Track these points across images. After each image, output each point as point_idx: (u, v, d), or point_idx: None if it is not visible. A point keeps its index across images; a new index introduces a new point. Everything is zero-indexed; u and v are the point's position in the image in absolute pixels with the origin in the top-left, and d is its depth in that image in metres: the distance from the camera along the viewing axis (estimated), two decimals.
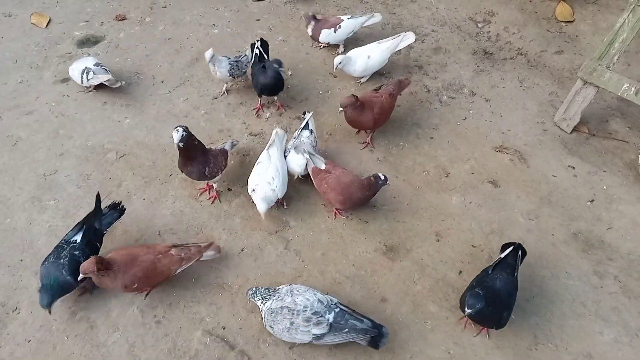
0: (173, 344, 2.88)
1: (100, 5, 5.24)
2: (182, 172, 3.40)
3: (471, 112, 4.16)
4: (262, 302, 2.76)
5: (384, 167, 3.75)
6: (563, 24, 4.90)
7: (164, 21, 5.02)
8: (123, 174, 3.72)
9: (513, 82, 4.40)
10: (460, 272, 3.19)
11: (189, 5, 5.16)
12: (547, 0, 5.05)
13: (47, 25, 5.03)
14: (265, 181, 3.29)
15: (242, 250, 3.29)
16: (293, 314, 2.65)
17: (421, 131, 4.00)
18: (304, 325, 2.63)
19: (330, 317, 2.66)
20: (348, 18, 4.44)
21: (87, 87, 4.27)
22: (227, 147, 3.60)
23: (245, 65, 4.14)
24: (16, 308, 3.05)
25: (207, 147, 3.44)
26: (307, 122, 3.67)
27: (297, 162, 3.48)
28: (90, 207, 3.48)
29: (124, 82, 4.26)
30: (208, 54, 3.95)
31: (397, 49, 4.26)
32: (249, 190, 3.33)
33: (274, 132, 3.63)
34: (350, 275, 3.18)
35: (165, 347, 2.86)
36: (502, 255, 2.93)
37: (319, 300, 2.70)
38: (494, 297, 2.66)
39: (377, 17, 4.51)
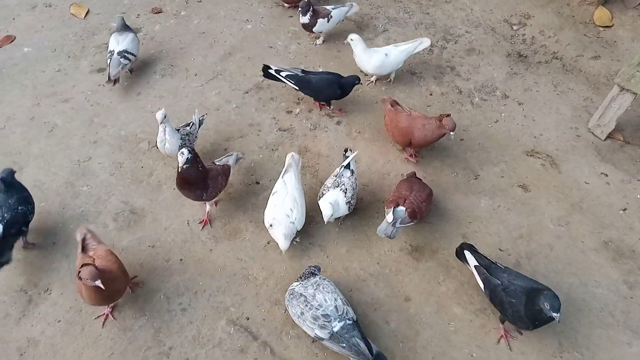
0: (197, 331, 2.92)
1: None
2: (178, 190, 3.27)
3: (503, 115, 4.11)
4: (297, 280, 2.85)
5: (412, 168, 3.74)
6: (601, 28, 4.80)
7: (198, 15, 5.09)
8: (154, 164, 3.79)
9: (547, 86, 4.33)
10: None
11: (223, 1, 5.23)
12: (585, 5, 4.94)
13: (85, 16, 5.16)
14: (283, 214, 3.09)
15: (268, 243, 3.32)
16: (307, 305, 2.68)
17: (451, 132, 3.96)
18: (310, 321, 2.65)
19: (337, 326, 2.61)
20: (333, 8, 4.55)
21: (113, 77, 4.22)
22: (231, 161, 3.48)
23: (195, 137, 3.71)
24: (47, 289, 3.14)
25: (209, 164, 3.30)
26: (349, 162, 3.34)
27: (334, 202, 3.15)
28: (123, 193, 3.58)
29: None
30: (160, 114, 3.43)
31: (414, 52, 4.22)
32: (266, 224, 3.14)
33: (289, 156, 3.41)
34: (374, 273, 3.18)
35: (190, 334, 2.91)
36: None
37: (336, 306, 2.67)
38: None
39: (355, 7, 4.67)
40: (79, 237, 2.99)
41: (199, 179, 3.15)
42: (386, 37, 4.74)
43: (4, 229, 3.06)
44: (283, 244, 3.04)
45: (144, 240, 3.35)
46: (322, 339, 2.65)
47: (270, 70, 3.98)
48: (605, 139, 3.90)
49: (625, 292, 3.06)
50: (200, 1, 5.24)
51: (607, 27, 4.81)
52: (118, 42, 4.25)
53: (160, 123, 3.46)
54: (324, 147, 3.89)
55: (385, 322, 2.95)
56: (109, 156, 3.85)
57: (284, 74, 3.95)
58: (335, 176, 3.30)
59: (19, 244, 3.23)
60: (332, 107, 4.15)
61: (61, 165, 3.82)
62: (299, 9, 4.50)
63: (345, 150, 3.48)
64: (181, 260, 3.24)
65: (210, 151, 3.87)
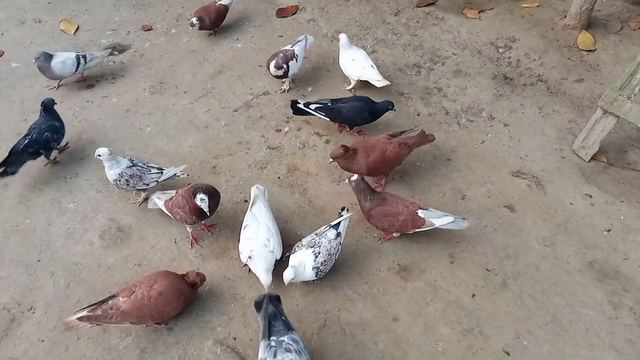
0: (184, 351, 2.89)
1: (127, 15, 5.37)
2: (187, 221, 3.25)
3: (489, 135, 4.17)
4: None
5: (400, 185, 3.77)
6: (584, 52, 4.91)
7: (188, 33, 5.12)
8: None
9: (532, 108, 4.41)
10: (474, 295, 3.17)
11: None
12: (569, 29, 5.07)
13: (75, 32, 5.17)
14: (260, 244, 3.03)
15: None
16: None
17: (438, 152, 4.01)
18: None
19: None
20: (292, 46, 4.39)
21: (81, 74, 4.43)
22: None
23: (145, 184, 3.50)
24: (32, 307, 3.09)
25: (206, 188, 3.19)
26: (340, 222, 3.17)
27: (297, 264, 2.97)
28: (110, 210, 3.55)
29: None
30: (100, 151, 3.38)
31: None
32: (244, 259, 3.06)
33: (254, 188, 3.35)
34: (362, 293, 3.18)
35: (176, 355, 2.87)
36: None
37: None
38: None
39: (310, 39, 4.56)
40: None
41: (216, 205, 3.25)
42: (375, 59, 4.79)
43: (24, 145, 3.61)
44: (265, 278, 2.97)
45: (131, 259, 3.32)
46: None
47: (298, 105, 3.99)
48: (589, 161, 3.97)
49: (610, 313, 3.09)
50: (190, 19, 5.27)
51: (590, 51, 4.92)
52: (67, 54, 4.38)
53: (105, 159, 3.39)
54: (312, 166, 3.91)
55: (373, 343, 2.94)
56: (97, 173, 3.82)
57: (313, 106, 3.95)
58: (317, 234, 3.10)
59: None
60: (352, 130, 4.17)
61: (47, 181, 3.79)
62: (275, 63, 4.21)
63: (342, 209, 3.32)
64: None
65: (199, 169, 3.87)
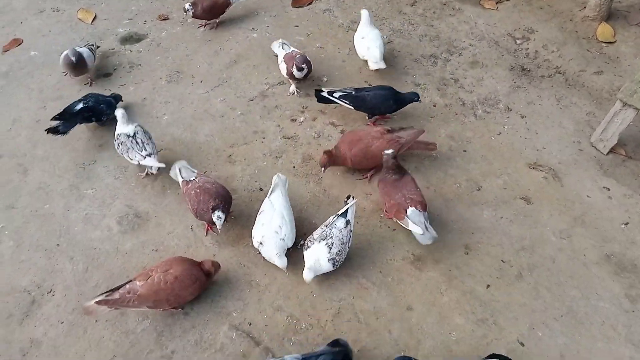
0: (200, 336, 2.93)
1: (144, 4, 5.39)
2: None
3: (506, 127, 4.14)
4: None
5: (416, 176, 3.73)
6: (604, 44, 4.84)
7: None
8: (159, 168, 3.80)
9: (550, 100, 4.37)
10: (488, 286, 3.16)
11: (230, 8, 5.26)
12: (589, 20, 5.00)
13: (92, 21, 5.20)
14: (272, 231, 3.09)
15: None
16: None
17: (454, 144, 4.00)
18: None
19: None
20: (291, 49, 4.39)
21: None
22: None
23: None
24: (51, 290, 3.15)
25: (221, 203, 3.21)
26: (347, 210, 3.17)
27: (314, 264, 3.00)
28: (127, 197, 3.60)
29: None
30: (119, 112, 3.71)
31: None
32: (255, 244, 3.14)
33: (275, 177, 3.37)
34: (376, 282, 3.19)
35: (192, 339, 2.91)
36: None
37: None
38: None
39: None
40: None
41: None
42: (391, 49, 4.77)
43: (82, 108, 3.85)
44: (280, 262, 3.04)
45: (148, 244, 3.36)
46: None
47: (322, 93, 4.01)
48: (607, 154, 3.93)
49: (627, 306, 3.07)
50: None
51: (610, 42, 4.86)
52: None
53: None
54: None
55: (387, 331, 2.96)
56: (114, 160, 3.86)
57: (337, 94, 3.97)
58: (326, 226, 3.11)
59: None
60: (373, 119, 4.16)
61: (66, 168, 3.84)
62: (297, 65, 4.09)
63: (348, 197, 3.31)
64: None
65: (215, 157, 3.90)
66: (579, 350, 2.89)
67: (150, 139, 3.68)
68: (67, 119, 3.83)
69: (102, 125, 4.11)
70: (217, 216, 3.09)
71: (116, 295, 2.80)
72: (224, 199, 3.20)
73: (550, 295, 3.11)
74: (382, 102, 3.92)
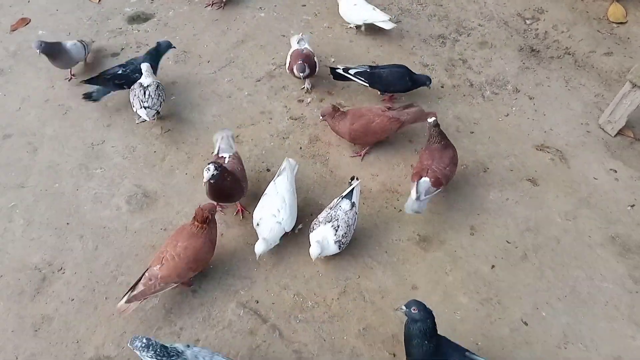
0: (208, 313, 2.98)
1: None
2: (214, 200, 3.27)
3: (514, 109, 4.12)
4: None
5: None
6: (615, 25, 4.78)
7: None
8: (167, 149, 3.84)
9: (559, 82, 4.34)
10: (493, 266, 3.19)
11: None
12: (600, 0, 4.93)
13: (99, 1, 5.17)
14: (270, 214, 3.09)
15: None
16: None
17: (462, 125, 3.99)
18: None
19: None
20: (300, 46, 4.15)
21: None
22: (232, 145, 3.45)
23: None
24: (61, 268, 3.20)
25: (222, 161, 3.28)
26: (352, 191, 3.16)
27: (321, 239, 2.98)
28: (135, 177, 3.63)
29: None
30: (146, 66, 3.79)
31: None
32: (254, 224, 3.15)
33: (285, 161, 3.38)
34: (382, 262, 3.23)
35: (201, 316, 2.97)
36: None
37: None
38: None
39: (307, 37, 4.29)
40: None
41: (232, 189, 3.18)
42: (399, 29, 4.74)
43: (115, 74, 3.92)
44: (259, 246, 2.99)
45: (156, 223, 3.41)
46: None
47: (338, 71, 4.01)
48: (615, 136, 3.91)
49: (631, 287, 3.10)
50: None
51: (621, 23, 4.79)
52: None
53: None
54: (334, 137, 3.91)
55: (392, 310, 3.00)
56: (122, 140, 3.90)
57: (352, 71, 3.97)
58: (331, 208, 3.11)
59: None
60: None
61: (75, 147, 3.88)
62: (298, 68, 3.90)
63: (352, 179, 3.30)
64: None
65: None
66: (582, 330, 2.92)
67: (160, 97, 3.78)
68: (101, 84, 3.94)
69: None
70: (207, 168, 2.96)
71: (140, 287, 2.82)
72: (223, 165, 3.13)
73: (554, 276, 3.14)
74: (398, 79, 3.91)
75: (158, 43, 4.16)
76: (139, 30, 4.83)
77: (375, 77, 3.93)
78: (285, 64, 4.19)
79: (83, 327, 2.94)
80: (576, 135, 3.94)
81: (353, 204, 3.11)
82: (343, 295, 3.07)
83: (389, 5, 5.02)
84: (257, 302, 3.03)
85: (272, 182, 3.31)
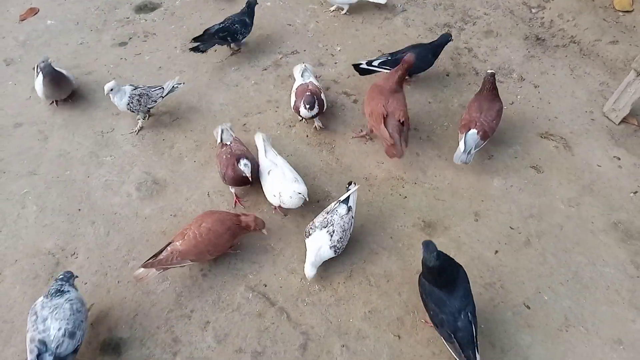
0: (217, 296, 3.06)
1: None
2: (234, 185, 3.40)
3: (519, 97, 4.15)
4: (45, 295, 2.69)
5: (427, 145, 3.81)
6: (621, 13, 4.79)
7: None
8: (176, 136, 3.90)
9: (564, 70, 4.36)
10: (497, 251, 3.25)
11: None
12: None
13: None
14: (290, 181, 3.24)
15: (285, 216, 3.43)
16: (33, 325, 2.61)
17: None
18: (28, 340, 2.60)
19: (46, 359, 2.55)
20: (304, 80, 3.92)
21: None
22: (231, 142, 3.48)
23: (154, 101, 3.83)
24: (74, 253, 3.28)
25: (252, 157, 3.38)
26: (349, 197, 3.16)
27: (319, 247, 3.00)
28: (145, 164, 3.70)
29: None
30: (107, 86, 3.70)
31: None
32: (272, 199, 3.30)
33: (258, 136, 3.54)
34: (387, 247, 3.29)
35: (210, 299, 3.04)
36: None
37: (53, 336, 2.56)
38: None
39: (310, 67, 4.07)
40: None
41: (254, 175, 3.35)
42: (405, 17, 4.77)
43: (217, 29, 4.21)
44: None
45: (166, 210, 3.47)
46: None
47: (361, 66, 4.05)
48: (619, 124, 3.94)
49: (632, 272, 3.14)
50: None
51: (627, 12, 4.80)
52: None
53: (107, 94, 3.73)
54: (340, 125, 3.97)
55: (397, 293, 3.07)
56: (132, 128, 3.95)
57: (376, 63, 4.01)
58: (327, 213, 3.11)
59: None
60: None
61: (85, 135, 3.94)
62: (306, 105, 3.65)
63: (349, 184, 3.31)
64: None
65: None
66: (583, 314, 2.98)
67: (141, 104, 3.78)
68: (206, 40, 4.22)
69: (238, 46, 4.53)
70: (244, 164, 3.20)
71: (160, 256, 2.94)
72: (251, 160, 3.31)
73: (557, 261, 3.19)
74: (421, 58, 3.94)
75: (248, 1, 4.40)
76: (146, 20, 4.88)
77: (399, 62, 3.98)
78: (293, 44, 4.23)
79: (96, 310, 3.01)
80: (580, 123, 3.97)
81: (349, 209, 3.12)
82: (349, 279, 3.13)
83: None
84: (266, 286, 3.10)
85: (263, 158, 3.42)
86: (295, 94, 3.82)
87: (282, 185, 3.23)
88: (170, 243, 3.00)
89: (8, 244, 3.32)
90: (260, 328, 2.94)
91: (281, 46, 4.59)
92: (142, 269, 2.95)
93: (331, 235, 3.01)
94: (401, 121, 3.47)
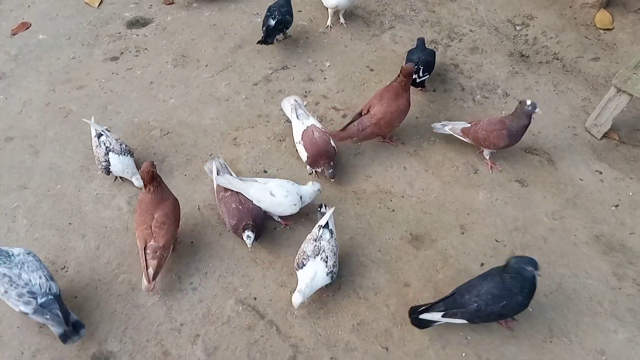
0: (207, 309, 3.08)
1: None
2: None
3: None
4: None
5: (415, 160, 3.89)
6: (602, 31, 4.93)
7: (209, 7, 5.21)
8: (166, 151, 3.94)
9: (547, 86, 4.48)
10: (482, 264, 3.31)
11: None
12: (587, 7, 5.08)
13: (99, 6, 5.27)
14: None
15: (274, 229, 3.48)
16: (12, 285, 2.75)
17: None
18: (15, 298, 2.75)
19: (41, 301, 2.76)
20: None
21: None
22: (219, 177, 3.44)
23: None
24: (64, 267, 3.29)
25: (256, 223, 3.24)
26: (327, 221, 3.11)
27: (314, 275, 2.96)
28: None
29: None
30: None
31: None
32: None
33: (213, 162, 3.55)
34: (375, 260, 3.34)
35: (200, 312, 3.07)
36: None
37: (40, 284, 2.79)
38: None
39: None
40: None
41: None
42: (392, 34, 4.87)
43: (276, 22, 4.42)
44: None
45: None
46: (27, 314, 2.76)
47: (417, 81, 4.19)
48: (601, 138, 4.05)
49: (614, 284, 3.22)
50: None
51: (607, 29, 4.94)
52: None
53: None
54: None
55: (385, 306, 3.12)
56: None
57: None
58: (315, 240, 3.04)
59: None
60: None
61: (76, 149, 3.97)
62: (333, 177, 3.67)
63: (320, 206, 3.35)
64: (192, 242, 3.40)
65: (220, 140, 4.02)
66: (567, 325, 3.04)
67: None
68: (270, 35, 4.45)
69: (285, 37, 4.82)
70: (247, 235, 3.12)
71: (153, 263, 3.00)
72: (255, 221, 3.21)
73: (541, 273, 3.24)
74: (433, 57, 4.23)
75: None
76: (137, 35, 4.94)
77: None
78: (283, 60, 4.32)
79: (87, 323, 3.01)
80: (563, 138, 4.07)
81: (331, 232, 3.10)
82: (338, 292, 3.18)
83: (382, 11, 5.15)
84: (255, 299, 3.14)
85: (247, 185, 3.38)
86: (304, 144, 3.65)
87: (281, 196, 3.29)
88: (145, 248, 3.03)
89: None
90: (250, 341, 2.97)
91: (271, 61, 4.66)
92: (148, 284, 3.00)
93: (326, 262, 2.96)
94: (368, 117, 3.70)
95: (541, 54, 4.77)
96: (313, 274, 2.94)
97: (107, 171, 3.60)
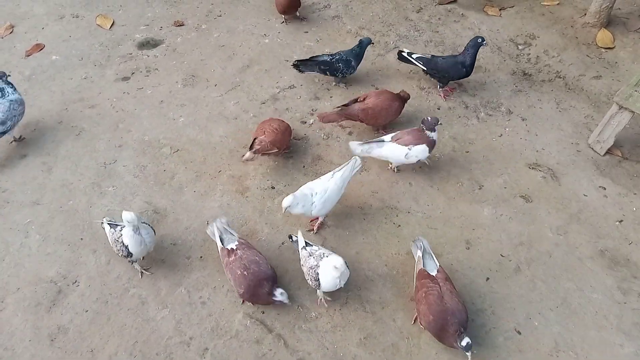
0: (216, 323, 3.12)
1: (160, 11, 5.61)
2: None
3: (507, 129, 4.31)
4: None
5: (420, 176, 3.95)
6: (603, 50, 5.02)
7: (218, 29, 5.35)
8: (176, 168, 4.02)
9: (550, 104, 4.55)
10: (488, 278, 3.34)
11: (242, 15, 5.49)
12: (589, 27, 5.17)
13: (110, 27, 5.42)
14: (307, 187, 3.38)
15: (282, 244, 3.53)
16: None
17: (457, 145, 4.18)
18: None
19: None
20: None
21: None
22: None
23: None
24: (76, 281, 3.35)
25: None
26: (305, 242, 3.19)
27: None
28: (146, 194, 3.80)
29: None
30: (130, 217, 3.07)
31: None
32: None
33: (353, 159, 3.55)
34: (382, 274, 3.38)
35: (209, 326, 3.11)
36: None
37: None
38: None
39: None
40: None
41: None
42: (396, 54, 4.96)
43: (322, 60, 4.47)
44: (285, 201, 3.23)
45: (166, 238, 3.56)
46: None
47: (403, 53, 4.57)
48: (604, 155, 4.10)
49: (619, 298, 3.24)
50: (220, 16, 5.50)
51: (609, 48, 5.03)
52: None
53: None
54: (335, 156, 4.10)
55: (392, 320, 3.15)
56: (133, 159, 4.08)
57: (414, 56, 4.49)
58: (309, 256, 3.10)
59: None
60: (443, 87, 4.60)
61: (88, 166, 4.06)
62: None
63: (290, 237, 3.37)
64: (201, 257, 3.45)
65: (229, 157, 4.09)
66: (573, 339, 3.06)
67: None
68: (308, 65, 4.51)
69: (337, 82, 4.73)
70: (280, 292, 3.01)
71: (256, 145, 3.73)
72: (273, 278, 3.10)
73: (546, 288, 3.29)
74: (452, 66, 4.39)
75: (360, 40, 4.55)
76: (148, 56, 5.06)
77: (432, 64, 4.43)
78: (290, 79, 4.39)
79: (97, 337, 3.07)
80: (567, 155, 4.12)
81: (306, 244, 3.20)
82: (345, 306, 3.21)
83: (387, 31, 5.27)
84: (263, 313, 3.17)
85: (330, 172, 3.50)
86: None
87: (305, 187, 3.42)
88: (254, 139, 3.73)
89: (11, 272, 3.39)
90: (258, 354, 3.00)
91: (279, 81, 4.76)
92: (248, 154, 3.70)
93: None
94: (361, 104, 4.07)
95: (544, 73, 4.86)
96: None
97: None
